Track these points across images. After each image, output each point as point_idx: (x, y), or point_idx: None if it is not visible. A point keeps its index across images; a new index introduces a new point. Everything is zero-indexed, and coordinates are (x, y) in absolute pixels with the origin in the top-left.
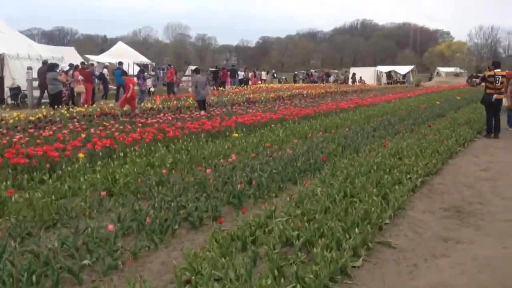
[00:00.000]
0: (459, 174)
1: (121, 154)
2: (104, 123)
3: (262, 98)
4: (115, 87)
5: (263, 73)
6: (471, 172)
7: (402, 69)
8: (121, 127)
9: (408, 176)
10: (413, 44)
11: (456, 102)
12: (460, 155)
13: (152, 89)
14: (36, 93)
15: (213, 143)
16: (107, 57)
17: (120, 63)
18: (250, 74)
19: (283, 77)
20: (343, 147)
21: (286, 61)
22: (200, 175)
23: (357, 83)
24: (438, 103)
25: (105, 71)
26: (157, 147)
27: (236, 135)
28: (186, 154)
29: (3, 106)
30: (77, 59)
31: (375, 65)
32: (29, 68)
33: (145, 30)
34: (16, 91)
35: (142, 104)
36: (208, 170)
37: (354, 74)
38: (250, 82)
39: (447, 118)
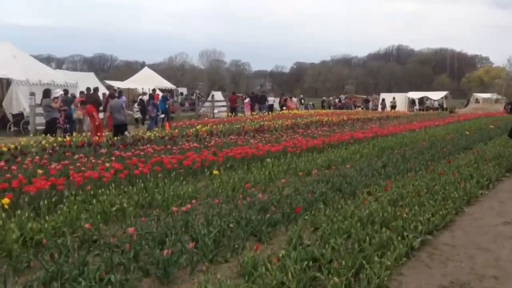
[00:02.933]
0: (474, 229)
1: (52, 199)
2: (76, 155)
3: (277, 126)
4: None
5: (294, 99)
6: (492, 225)
7: (435, 95)
8: (94, 161)
9: (405, 233)
10: (450, 69)
11: (489, 131)
12: (482, 200)
13: (161, 116)
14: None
15: (184, 183)
16: (131, 83)
17: (171, 91)
18: (287, 100)
19: (310, 103)
20: (337, 189)
21: (319, 86)
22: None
23: (387, 109)
24: (467, 133)
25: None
26: (111, 188)
27: (216, 172)
28: (142, 198)
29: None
30: (95, 85)
31: (410, 91)
32: (32, 94)
33: (181, 56)
34: (19, 117)
35: (148, 133)
36: (131, 229)
37: (383, 100)
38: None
39: (474, 151)
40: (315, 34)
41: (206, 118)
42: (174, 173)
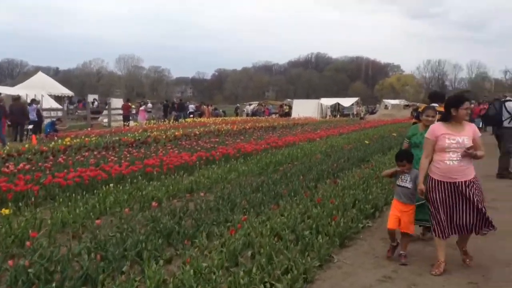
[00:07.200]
0: None
1: None
2: None
3: (164, 137)
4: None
5: (210, 107)
6: (364, 286)
7: (347, 102)
8: None
9: None
10: (365, 77)
11: (391, 140)
12: (361, 238)
13: (29, 127)
14: None
15: None
16: (21, 89)
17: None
18: (204, 107)
19: (220, 110)
20: (168, 234)
21: (240, 93)
22: None
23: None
24: (367, 142)
25: None
26: None
27: (6, 211)
28: None
29: None
30: None
31: (326, 97)
32: None
33: (96, 62)
34: None
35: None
36: None
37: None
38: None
39: (370, 164)
40: (237, 41)
41: (89, 129)
42: None
